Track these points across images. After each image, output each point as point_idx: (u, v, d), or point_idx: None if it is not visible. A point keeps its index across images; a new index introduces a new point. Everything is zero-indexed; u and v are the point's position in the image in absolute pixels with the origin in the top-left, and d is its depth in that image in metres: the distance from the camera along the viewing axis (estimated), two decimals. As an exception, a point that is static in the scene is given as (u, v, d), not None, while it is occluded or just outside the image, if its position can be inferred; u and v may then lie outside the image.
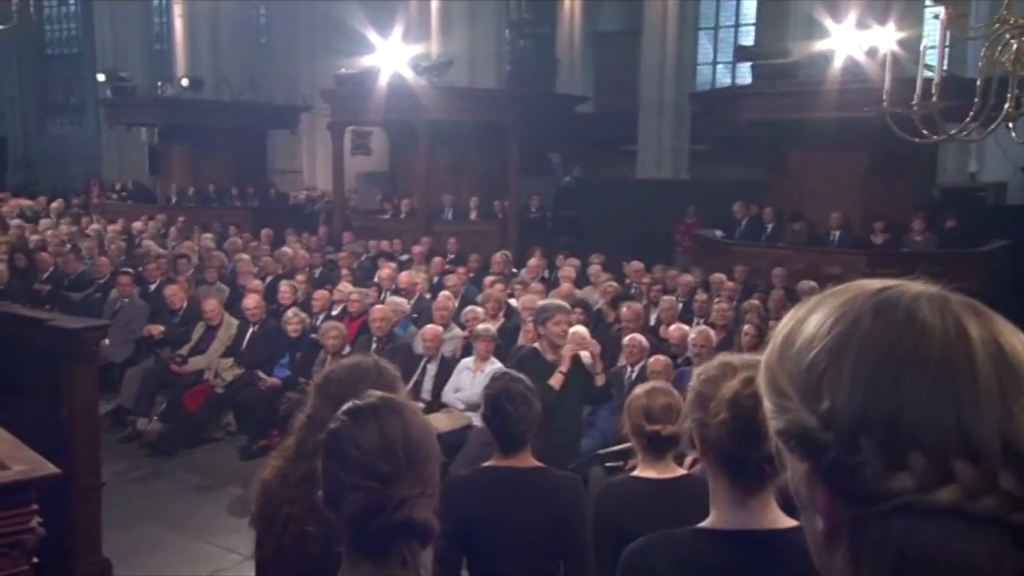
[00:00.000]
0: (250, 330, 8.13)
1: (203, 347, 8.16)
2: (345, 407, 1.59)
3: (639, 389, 2.98)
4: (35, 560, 2.83)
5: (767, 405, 0.81)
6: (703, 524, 1.76)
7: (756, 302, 8.58)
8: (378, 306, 7.57)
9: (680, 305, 9.32)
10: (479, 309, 7.80)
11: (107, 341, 8.67)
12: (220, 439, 7.87)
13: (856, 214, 12.17)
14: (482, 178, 14.34)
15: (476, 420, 6.54)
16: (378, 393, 1.65)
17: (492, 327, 6.83)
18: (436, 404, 6.77)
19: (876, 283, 0.79)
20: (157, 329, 8.55)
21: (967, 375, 0.70)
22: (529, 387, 2.89)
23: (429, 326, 7.20)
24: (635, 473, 2.91)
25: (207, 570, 5.51)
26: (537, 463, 2.87)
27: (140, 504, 6.53)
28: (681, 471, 2.92)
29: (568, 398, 5.05)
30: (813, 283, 9.83)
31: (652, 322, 8.70)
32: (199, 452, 7.61)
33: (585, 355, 5.06)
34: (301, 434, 2.39)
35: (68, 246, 13.00)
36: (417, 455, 1.50)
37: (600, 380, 5.28)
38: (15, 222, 15.39)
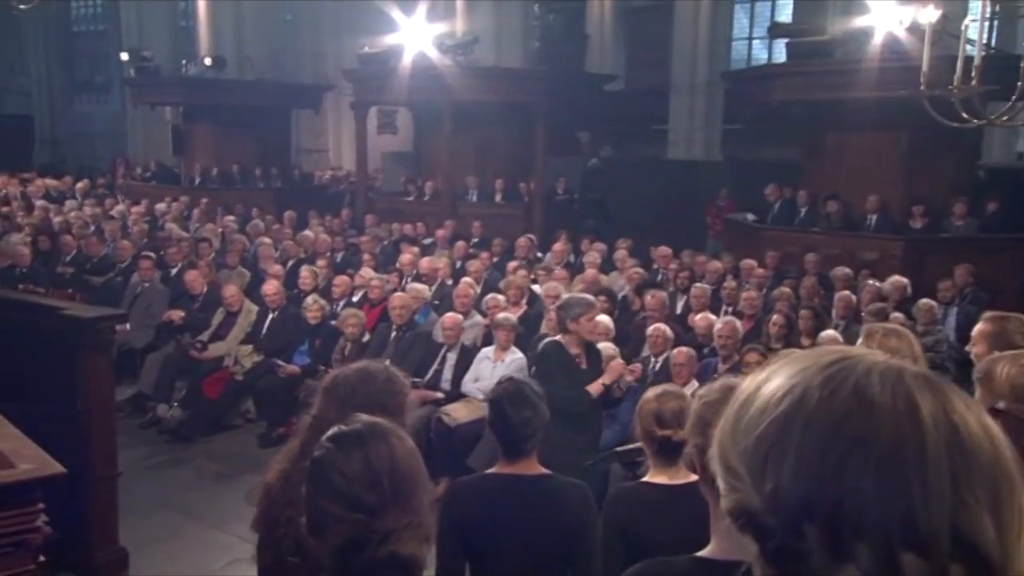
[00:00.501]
0: (270, 316, 8.19)
1: (223, 333, 8.23)
2: (330, 433, 1.58)
3: (650, 392, 2.95)
4: (42, 559, 2.86)
5: (719, 482, 0.78)
6: (702, 553, 1.73)
7: (787, 290, 8.47)
8: (398, 294, 7.59)
9: (709, 292, 9.23)
10: (500, 297, 7.79)
11: (128, 326, 8.80)
12: (240, 426, 7.96)
13: (894, 197, 11.95)
14: (508, 159, 14.27)
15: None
16: (364, 417, 1.63)
17: (512, 316, 6.81)
18: (455, 394, 6.77)
19: (832, 352, 0.76)
20: (177, 315, 8.64)
21: (916, 460, 0.67)
22: (535, 391, 2.86)
23: (448, 314, 7.20)
24: (646, 479, 2.88)
25: (224, 560, 5.57)
26: (543, 470, 2.85)
27: (158, 492, 6.62)
28: (693, 477, 2.88)
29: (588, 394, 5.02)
30: (847, 270, 9.75)
31: (679, 310, 8.64)
32: (218, 439, 7.69)
33: (627, 375, 5.06)
34: (306, 436, 2.39)
35: (92, 228, 13.19)
36: (405, 484, 1.49)
37: (618, 393, 5.27)
38: (40, 203, 15.61)
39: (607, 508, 2.81)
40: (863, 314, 7.76)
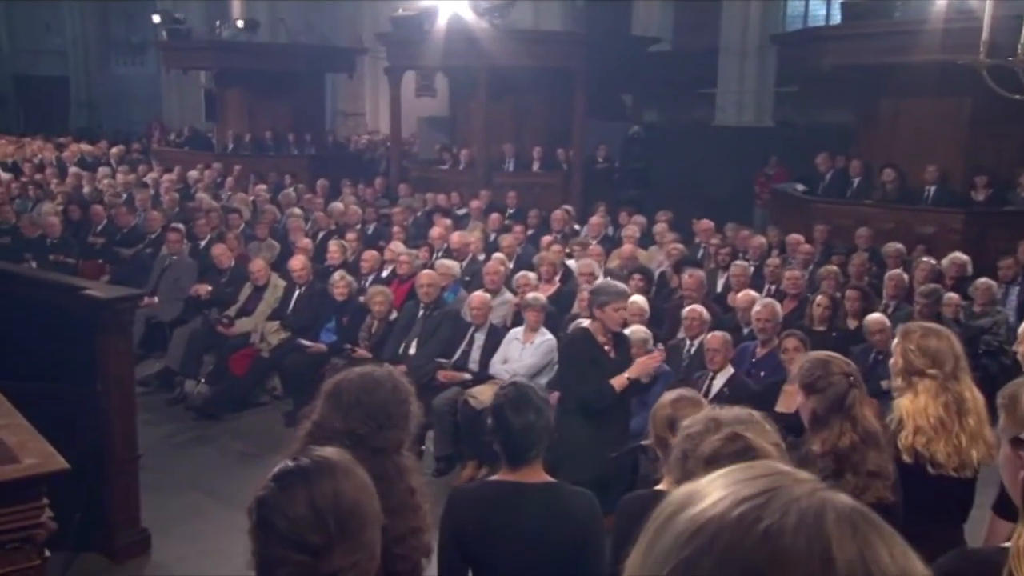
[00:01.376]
0: (296, 292, 8.24)
1: (250, 308, 8.32)
2: (274, 471, 1.56)
3: (665, 397, 2.90)
4: (47, 554, 2.92)
5: None
6: None
7: (834, 267, 8.30)
8: (425, 271, 7.57)
9: (752, 269, 9.09)
10: (531, 275, 7.74)
11: (156, 299, 8.96)
12: (266, 403, 8.06)
13: (955, 168, 11.59)
14: (546, 126, 14.13)
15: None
16: (315, 452, 1.61)
17: (542, 296, 6.76)
18: (483, 375, 6.76)
19: (760, 479, 0.71)
20: (204, 289, 8.74)
21: None
22: (540, 396, 2.82)
23: (476, 293, 7.17)
24: (660, 487, 2.84)
25: (246, 542, 5.64)
26: (548, 478, 2.82)
27: (182, 471, 6.74)
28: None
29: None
30: (900, 246, 9.53)
31: (719, 288, 8.52)
32: (244, 417, 7.80)
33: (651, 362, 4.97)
34: (305, 442, 2.39)
35: (124, 196, 13.39)
36: (352, 522, 1.46)
37: (646, 379, 5.20)
38: (73, 170, 15.88)
39: (617, 516, 2.78)
40: (916, 295, 7.59)
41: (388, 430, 2.39)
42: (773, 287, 8.31)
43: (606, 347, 4.98)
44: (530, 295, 6.79)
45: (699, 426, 1.79)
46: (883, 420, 3.22)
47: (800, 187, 12.75)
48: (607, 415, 4.85)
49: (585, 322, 5.30)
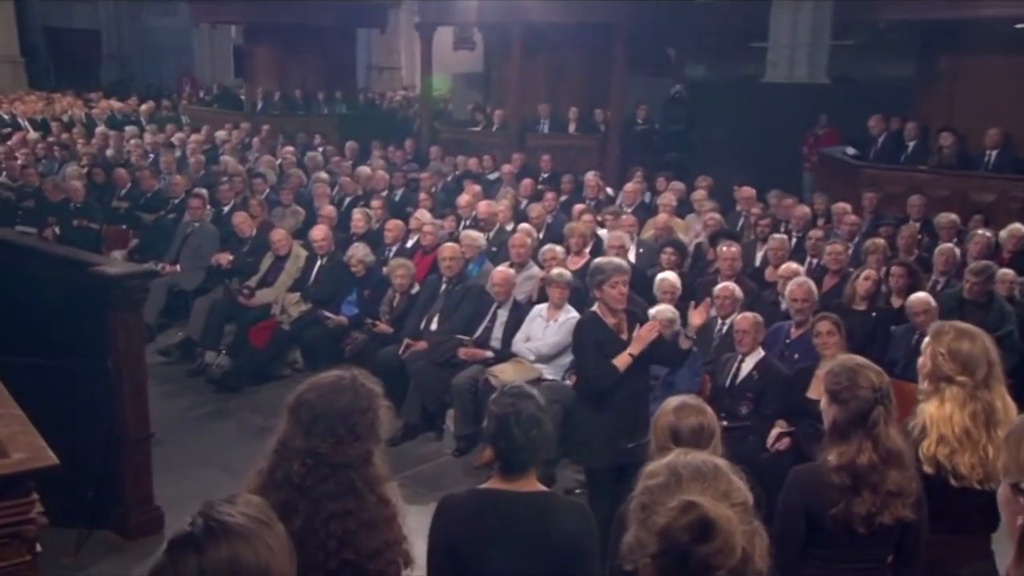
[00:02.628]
0: (318, 263, 8.28)
1: (271, 279, 8.39)
2: (171, 536, 1.53)
3: (668, 404, 2.86)
4: (39, 549, 2.98)
5: None
6: None
7: (881, 241, 8.07)
8: (448, 244, 7.54)
9: (794, 242, 8.94)
10: (558, 248, 7.66)
11: (177, 267, 9.07)
12: (287, 376, 8.13)
13: (1019, 131, 11.24)
14: (583, 85, 13.95)
15: (547, 373, 6.53)
16: (222, 509, 1.57)
17: (566, 272, 6.70)
18: (505, 353, 6.75)
19: None
20: (225, 258, 8.82)
21: None
22: (542, 406, 2.81)
23: (499, 269, 7.14)
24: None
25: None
26: (541, 487, 2.81)
27: (200, 446, 6.85)
28: (712, 497, 2.81)
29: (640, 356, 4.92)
30: (954, 216, 9.27)
31: (758, 262, 8.39)
32: (264, 390, 7.89)
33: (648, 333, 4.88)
34: (271, 461, 2.39)
35: (151, 157, 13.54)
36: None
37: (686, 343, 5.11)
38: (100, 130, 16.07)
39: (613, 529, 2.76)
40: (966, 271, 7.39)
41: (350, 444, 2.37)
42: (815, 261, 8.15)
43: (617, 328, 4.92)
44: (554, 271, 6.74)
45: (659, 479, 1.75)
46: (906, 426, 3.14)
47: (850, 151, 12.46)
48: (624, 403, 4.80)
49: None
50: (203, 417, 7.45)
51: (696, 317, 5.05)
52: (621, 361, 4.80)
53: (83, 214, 10.31)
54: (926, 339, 3.27)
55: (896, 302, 7.16)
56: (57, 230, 10.02)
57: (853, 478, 2.81)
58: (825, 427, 2.96)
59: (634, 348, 4.80)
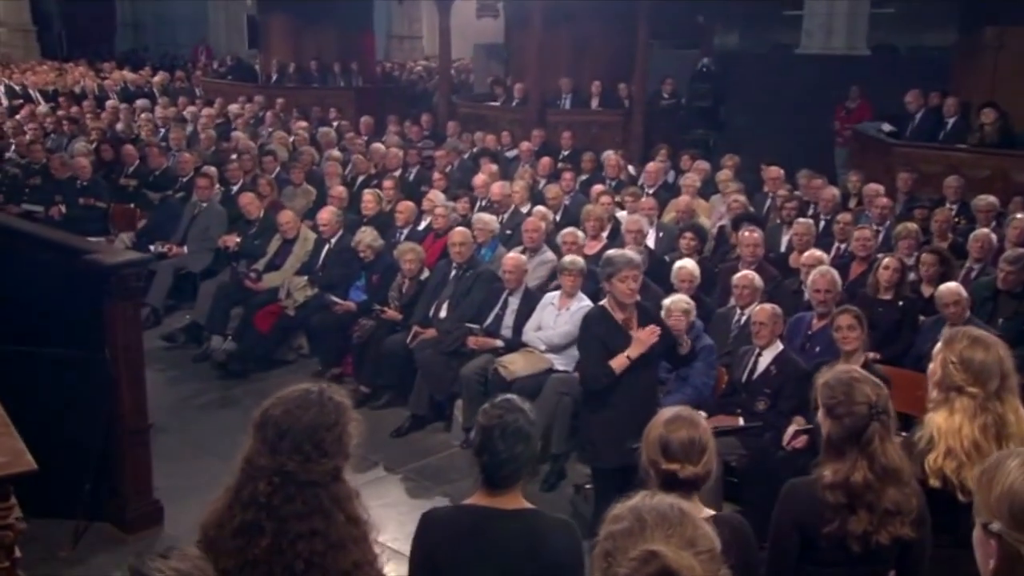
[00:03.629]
0: (327, 246, 8.29)
1: (278, 262, 8.41)
2: None
3: (660, 416, 2.83)
4: (18, 554, 3.02)
5: None
6: None
7: (912, 226, 7.94)
8: (458, 228, 7.51)
9: (822, 226, 8.82)
10: (579, 233, 7.61)
11: (184, 249, 9.12)
12: (293, 362, 8.18)
13: (1067, 108, 11.03)
14: (607, 58, 13.80)
15: (558, 363, 6.50)
16: (153, 565, 1.55)
17: (580, 259, 6.65)
18: (516, 342, 6.74)
19: None
20: (232, 240, 8.86)
21: None
22: (531, 420, 2.79)
23: (510, 255, 7.10)
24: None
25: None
26: (526, 504, 2.79)
27: (203, 435, 6.90)
28: (707, 512, 2.79)
29: (642, 356, 4.89)
30: (992, 199, 9.10)
31: (783, 247, 8.29)
32: (271, 376, 7.92)
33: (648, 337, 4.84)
34: (238, 480, 2.38)
35: (162, 131, 13.60)
36: None
37: (684, 348, 5.08)
38: (111, 103, 16.16)
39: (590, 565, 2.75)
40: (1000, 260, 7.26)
41: (317, 461, 2.35)
42: (843, 246, 8.05)
43: (626, 324, 4.89)
44: (566, 258, 6.70)
45: (623, 524, 1.73)
46: (913, 436, 3.09)
47: (886, 127, 12.26)
48: (630, 401, 4.78)
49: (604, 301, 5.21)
50: (207, 404, 7.50)
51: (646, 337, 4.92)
52: (617, 363, 4.78)
53: (90, 193, 10.38)
54: (938, 345, 3.22)
55: (926, 291, 7.06)
56: (63, 209, 10.10)
57: (848, 496, 2.78)
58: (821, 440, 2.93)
59: (632, 351, 4.77)
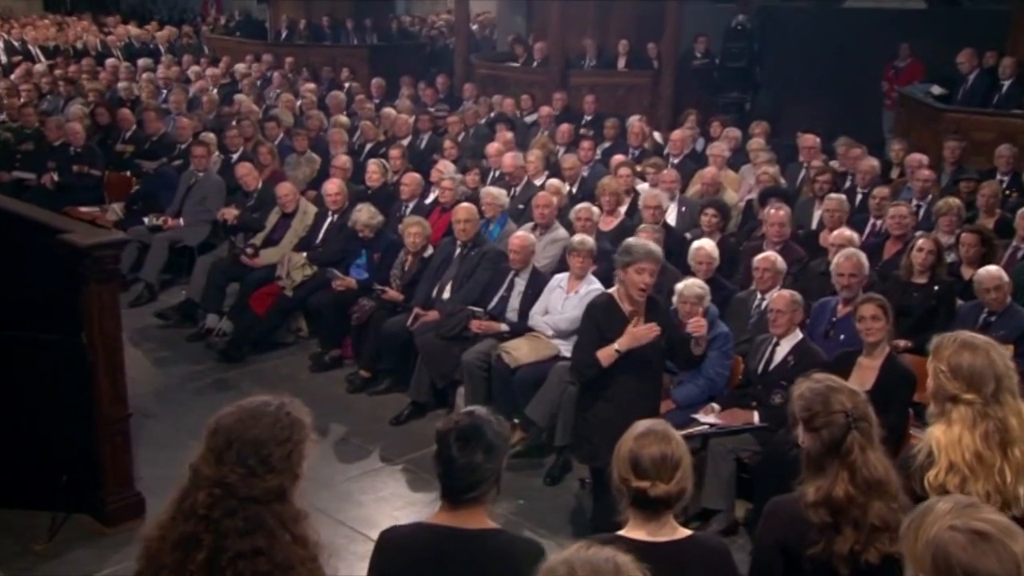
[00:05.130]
0: (328, 220, 8.29)
1: (277, 237, 8.43)
2: None
3: (631, 430, 2.81)
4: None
5: None
6: None
7: (955, 201, 7.80)
8: (463, 204, 7.46)
9: (858, 198, 8.70)
10: (595, 209, 7.55)
11: (180, 221, 9.17)
12: (292, 344, 8.23)
13: None
14: (635, 15, 13.62)
15: (565, 350, 6.48)
16: None
17: (589, 239, 6.60)
18: (521, 327, 6.72)
19: None
20: (231, 213, 8.88)
21: None
22: (497, 431, 2.75)
23: (518, 233, 7.07)
24: (622, 532, 2.78)
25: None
26: (489, 524, 2.77)
27: (194, 421, 6.80)
28: (680, 533, 2.77)
29: (646, 350, 4.86)
30: (1047, 170, 8.94)
31: (815, 224, 8.18)
32: (269, 359, 8.00)
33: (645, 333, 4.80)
34: (183, 488, 2.39)
35: (164, 93, 13.63)
36: None
37: (698, 349, 5.04)
38: (111, 62, 16.19)
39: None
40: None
41: (261, 476, 2.35)
42: (879, 223, 7.93)
43: (632, 316, 4.85)
44: (576, 237, 6.65)
45: (598, 565, 1.73)
46: (909, 452, 3.05)
47: (936, 90, 12.02)
48: (628, 399, 4.76)
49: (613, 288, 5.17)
50: (201, 388, 7.55)
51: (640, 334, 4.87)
52: (604, 355, 4.76)
53: (83, 159, 10.43)
54: (929, 357, 3.17)
55: (967, 272, 6.96)
56: (55, 177, 10.18)
57: (832, 514, 2.76)
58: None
59: (621, 343, 4.73)
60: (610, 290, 5.06)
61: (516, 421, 6.50)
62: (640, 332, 4.73)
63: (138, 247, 9.21)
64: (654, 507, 2.70)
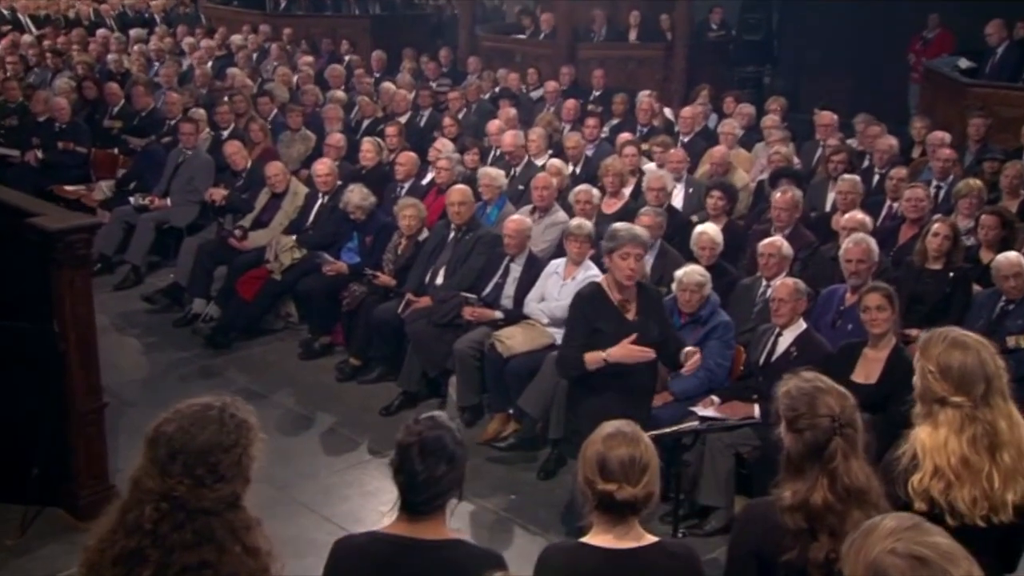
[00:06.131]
0: (319, 201, 8.30)
1: (266, 219, 8.44)
2: None
3: (600, 431, 2.80)
4: None
5: None
6: None
7: (976, 182, 7.73)
8: (457, 186, 7.44)
9: (876, 179, 8.64)
10: (595, 192, 7.52)
11: (168, 201, 9.19)
12: (281, 330, 8.26)
13: None
14: (647, -17, 13.54)
15: (561, 338, 6.46)
16: None
17: (587, 223, 6.58)
18: (516, 314, 6.72)
19: None
20: (219, 193, 8.89)
21: None
22: (457, 439, 2.76)
23: (512, 217, 7.04)
24: (585, 539, 2.79)
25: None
26: (450, 534, 2.77)
27: None
28: (646, 539, 2.77)
29: (639, 343, 4.85)
30: (1075, 149, 8.83)
31: (828, 206, 8.13)
32: (256, 345, 8.04)
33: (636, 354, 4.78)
34: (125, 500, 2.38)
35: (156, 65, 13.64)
36: None
37: (687, 367, 5.04)
38: (102, 32, 16.19)
39: (536, 571, 2.75)
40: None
41: (211, 487, 2.34)
42: (895, 206, 7.87)
43: (623, 307, 4.84)
44: (573, 221, 6.64)
45: None
46: (893, 454, 3.03)
47: (963, 63, 11.88)
48: (620, 394, 4.75)
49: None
50: (186, 376, 7.60)
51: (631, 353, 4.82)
52: (592, 359, 4.77)
53: (69, 136, 10.46)
54: (916, 356, 3.14)
55: (986, 257, 6.91)
56: (40, 154, 10.21)
57: (809, 520, 2.75)
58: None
59: (611, 353, 4.73)
60: (597, 279, 5.05)
61: (510, 412, 6.55)
62: (635, 352, 4.71)
63: (124, 228, 9.26)
64: (619, 511, 2.70)
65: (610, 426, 2.81)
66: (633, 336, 4.70)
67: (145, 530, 2.32)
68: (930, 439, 2.97)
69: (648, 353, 4.74)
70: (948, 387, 2.97)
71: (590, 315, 4.84)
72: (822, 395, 2.83)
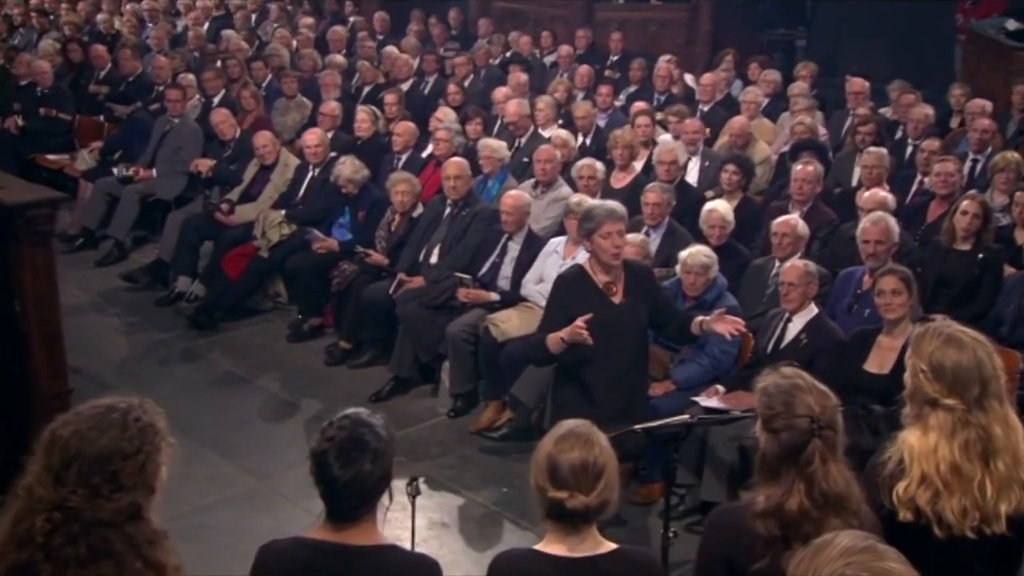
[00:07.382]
0: (310, 174, 8.28)
1: (255, 192, 8.44)
2: None
3: (552, 432, 2.78)
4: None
5: None
6: None
7: (1014, 156, 7.61)
8: (453, 159, 7.40)
9: (908, 151, 8.53)
10: (598, 166, 7.46)
11: (153, 172, 9.20)
12: (269, 311, 8.28)
13: None
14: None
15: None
16: None
17: (588, 199, 6.52)
18: (514, 296, 6.70)
19: None
20: (205, 164, 8.91)
21: None
22: (379, 433, 2.71)
23: (510, 192, 7.00)
24: (539, 547, 2.77)
25: (208, 497, 5.83)
26: (380, 539, 2.75)
27: (159, 395, 6.75)
28: (603, 548, 2.74)
29: (623, 324, 4.82)
30: None
31: (854, 180, 8.02)
32: (243, 326, 8.07)
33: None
34: (16, 510, 2.33)
35: (149, 27, 13.65)
36: None
37: (696, 328, 4.99)
38: (91, -10, 16.19)
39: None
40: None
41: (108, 497, 2.29)
42: (925, 180, 7.76)
43: (608, 289, 4.80)
44: (573, 198, 6.61)
45: None
46: (879, 458, 2.98)
47: (1011, 24, 11.65)
48: (607, 382, 4.73)
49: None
50: (167, 359, 7.67)
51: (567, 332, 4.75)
52: (552, 341, 4.75)
53: (51, 102, 10.49)
54: (907, 353, 3.08)
55: (1020, 237, 6.84)
56: (20, 121, 10.24)
57: (782, 527, 2.71)
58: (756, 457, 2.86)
59: (566, 334, 4.67)
60: (580, 262, 5.01)
61: (505, 400, 6.54)
62: (579, 331, 4.62)
63: (107, 200, 9.29)
64: (571, 520, 2.67)
65: (564, 426, 2.79)
66: (588, 316, 4.63)
67: (37, 543, 2.27)
68: (919, 443, 2.91)
69: (586, 339, 4.63)
70: (940, 388, 2.90)
71: (569, 301, 4.81)
72: (801, 394, 2.79)
